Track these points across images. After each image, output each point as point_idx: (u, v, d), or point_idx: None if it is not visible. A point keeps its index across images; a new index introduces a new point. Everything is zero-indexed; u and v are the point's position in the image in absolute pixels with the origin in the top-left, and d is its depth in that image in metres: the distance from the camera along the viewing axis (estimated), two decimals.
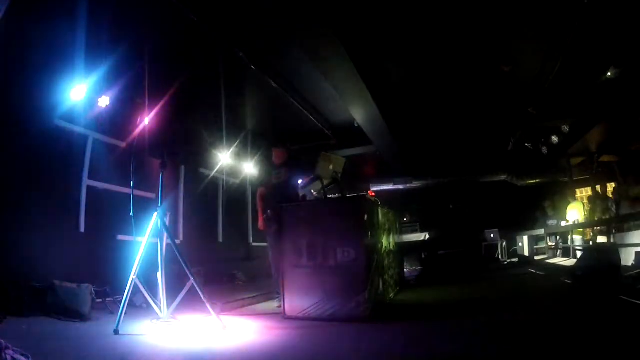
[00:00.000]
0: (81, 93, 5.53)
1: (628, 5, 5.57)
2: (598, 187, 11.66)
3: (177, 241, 7.62)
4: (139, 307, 5.20)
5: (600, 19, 5.76)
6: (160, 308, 4.33)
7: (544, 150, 11.01)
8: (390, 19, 6.30)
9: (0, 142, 4.81)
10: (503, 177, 14.26)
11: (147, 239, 4.31)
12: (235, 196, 10.61)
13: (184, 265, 4.32)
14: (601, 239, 9.26)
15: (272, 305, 5.78)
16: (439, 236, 13.15)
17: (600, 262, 6.03)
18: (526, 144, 11.45)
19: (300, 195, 6.09)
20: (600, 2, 5.38)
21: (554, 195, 13.42)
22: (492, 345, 3.30)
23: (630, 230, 7.88)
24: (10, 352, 2.54)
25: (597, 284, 5.63)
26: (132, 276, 4.15)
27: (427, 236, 11.15)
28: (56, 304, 4.46)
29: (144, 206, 4.94)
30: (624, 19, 5.87)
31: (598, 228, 9.69)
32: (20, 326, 3.93)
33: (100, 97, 5.82)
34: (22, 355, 2.61)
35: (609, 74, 7.08)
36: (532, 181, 14.18)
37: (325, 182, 5.89)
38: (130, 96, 6.10)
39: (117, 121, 6.30)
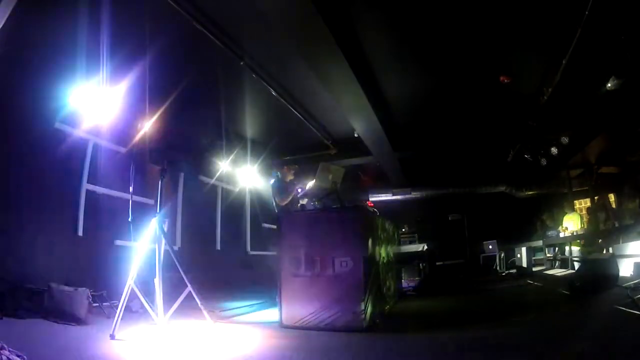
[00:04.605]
0: (82, 97, 5.56)
1: (630, 16, 5.60)
2: (597, 199, 11.65)
3: (175, 248, 7.61)
4: (135, 312, 5.19)
5: (602, 29, 5.79)
6: (157, 314, 4.32)
7: (543, 161, 11.00)
8: (392, 31, 6.35)
9: (0, 144, 4.83)
10: (502, 189, 14.27)
11: (145, 245, 4.31)
12: (234, 204, 10.60)
13: (181, 271, 4.33)
14: (600, 250, 9.26)
15: (269, 313, 5.77)
16: (438, 247, 13.10)
17: (599, 273, 6.03)
18: (525, 155, 11.45)
19: (299, 204, 6.12)
20: (601, 13, 5.41)
21: (552, 206, 13.41)
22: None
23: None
24: (6, 352, 2.54)
25: (595, 295, 5.62)
26: (130, 281, 4.14)
27: (426, 247, 11.10)
28: (53, 307, 4.46)
29: (142, 212, 4.96)
30: (625, 29, 5.90)
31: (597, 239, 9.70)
32: (17, 327, 3.92)
33: (102, 101, 5.84)
34: (18, 356, 2.61)
35: (610, 85, 7.09)
36: (531, 192, 14.18)
37: (324, 192, 5.91)
38: (132, 102, 6.12)
39: (117, 126, 6.33)
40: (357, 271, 4.65)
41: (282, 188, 6.21)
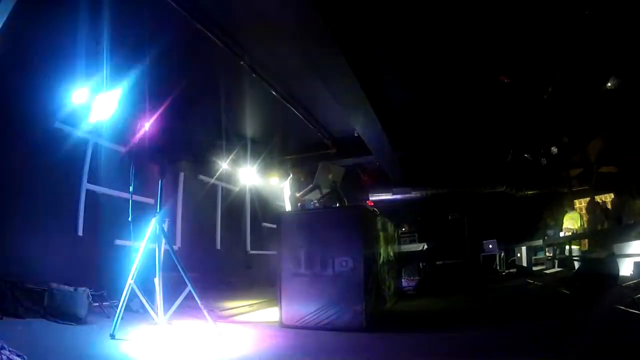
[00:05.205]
0: (82, 97, 5.55)
1: (629, 15, 5.60)
2: (597, 198, 11.66)
3: (175, 247, 7.61)
4: (135, 312, 5.19)
5: (601, 29, 5.79)
6: (157, 314, 4.33)
7: (543, 161, 11.00)
8: (392, 30, 6.34)
9: (0, 144, 4.83)
10: (502, 189, 14.26)
11: (145, 245, 4.31)
12: (234, 203, 10.59)
13: (181, 271, 4.33)
14: (599, 250, 9.26)
15: (269, 313, 5.78)
16: (437, 247, 13.11)
17: (599, 273, 6.03)
18: (525, 155, 11.45)
19: (299, 204, 6.15)
20: (601, 13, 5.41)
21: (553, 206, 13.41)
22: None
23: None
24: (6, 352, 2.54)
25: (595, 295, 5.62)
26: (130, 281, 4.15)
27: (425, 246, 11.11)
28: (53, 307, 4.46)
29: (142, 211, 4.96)
30: (624, 29, 5.90)
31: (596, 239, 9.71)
32: (16, 327, 3.92)
33: (101, 101, 5.83)
34: (18, 356, 2.61)
35: (609, 84, 7.10)
36: (531, 192, 14.18)
37: (324, 191, 5.92)
38: (131, 101, 6.12)
39: (117, 126, 6.31)
40: (357, 270, 4.66)
41: (297, 186, 6.44)
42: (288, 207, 6.36)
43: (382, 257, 5.93)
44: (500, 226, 13.94)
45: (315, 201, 6.00)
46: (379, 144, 10.19)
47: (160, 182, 4.61)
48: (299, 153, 11.13)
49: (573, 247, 10.53)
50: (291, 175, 6.68)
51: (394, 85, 8.25)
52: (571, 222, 11.07)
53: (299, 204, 6.17)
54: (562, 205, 12.57)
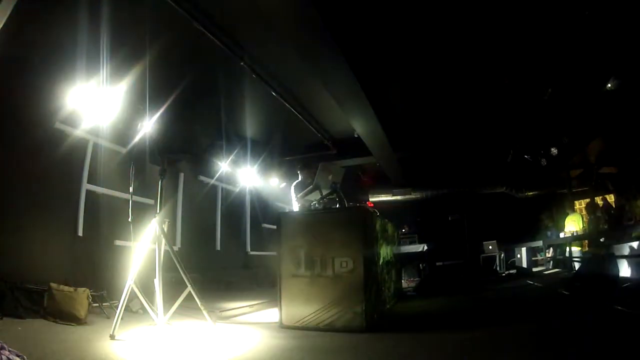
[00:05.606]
0: (82, 97, 5.56)
1: (628, 16, 5.60)
2: (597, 199, 11.67)
3: (175, 248, 7.60)
4: (135, 312, 5.19)
5: (601, 29, 5.79)
6: (156, 314, 4.32)
7: (543, 162, 11.00)
8: (393, 31, 6.34)
9: (0, 144, 4.83)
10: (502, 189, 14.26)
11: (145, 245, 4.31)
12: (234, 204, 10.60)
13: (181, 271, 4.32)
14: (599, 251, 9.27)
15: (269, 313, 5.77)
16: (437, 248, 13.10)
17: (599, 273, 6.03)
18: (525, 156, 11.45)
19: (299, 205, 6.16)
20: (601, 14, 5.42)
21: (553, 207, 13.40)
22: None
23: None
24: (6, 352, 2.53)
25: (594, 295, 5.62)
26: (129, 282, 4.14)
27: (425, 247, 11.11)
28: (52, 307, 4.46)
29: (142, 212, 4.96)
30: (624, 29, 5.91)
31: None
32: (16, 327, 3.92)
33: (102, 101, 5.83)
34: (18, 356, 2.60)
35: (609, 85, 7.10)
36: (531, 193, 14.18)
37: (324, 192, 5.91)
38: (131, 102, 6.12)
39: (117, 126, 6.32)
40: (357, 271, 4.65)
41: (302, 187, 6.45)
42: (295, 208, 6.35)
43: (382, 258, 5.92)
44: (500, 227, 13.94)
45: (316, 202, 6.00)
46: (379, 145, 10.18)
47: (160, 182, 4.61)
48: (299, 154, 11.13)
49: (574, 248, 10.53)
50: (300, 177, 6.67)
51: (394, 86, 8.25)
52: (573, 225, 11.08)
53: (299, 205, 6.20)
54: (563, 206, 12.57)
